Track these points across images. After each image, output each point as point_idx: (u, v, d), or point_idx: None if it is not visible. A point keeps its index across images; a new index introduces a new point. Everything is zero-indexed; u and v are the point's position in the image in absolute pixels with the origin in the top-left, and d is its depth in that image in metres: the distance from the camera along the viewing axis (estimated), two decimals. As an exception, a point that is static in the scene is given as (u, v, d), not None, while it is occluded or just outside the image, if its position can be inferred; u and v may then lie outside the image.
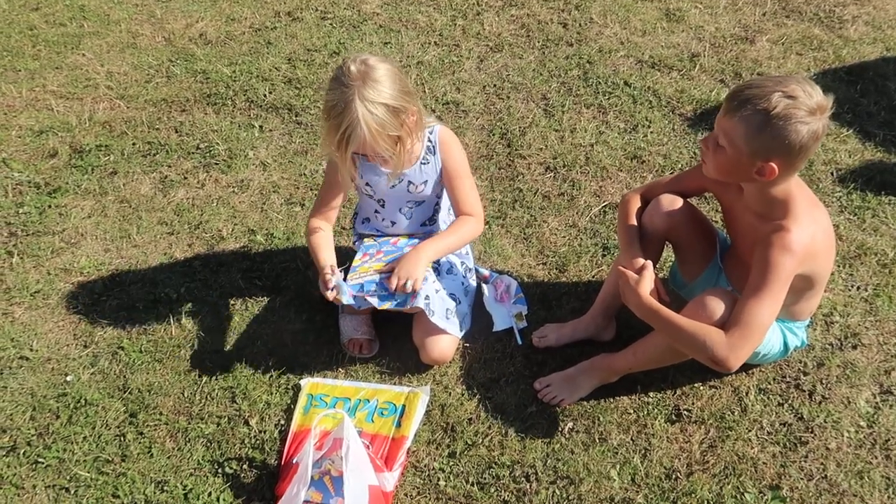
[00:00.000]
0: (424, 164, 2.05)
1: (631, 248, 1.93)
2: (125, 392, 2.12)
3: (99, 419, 2.05)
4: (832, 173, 2.69)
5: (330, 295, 1.95)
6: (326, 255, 2.06)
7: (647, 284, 1.80)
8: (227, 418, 2.05)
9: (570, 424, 2.00)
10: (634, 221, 1.97)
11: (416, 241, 2.12)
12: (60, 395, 2.11)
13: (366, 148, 1.85)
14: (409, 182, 2.06)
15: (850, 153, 2.77)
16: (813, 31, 3.42)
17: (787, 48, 3.33)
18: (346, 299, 1.96)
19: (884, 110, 2.96)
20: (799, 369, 2.09)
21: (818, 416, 1.98)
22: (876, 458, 1.90)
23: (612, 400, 2.04)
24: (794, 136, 1.55)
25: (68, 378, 2.16)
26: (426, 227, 2.21)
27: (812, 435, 1.95)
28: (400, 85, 1.83)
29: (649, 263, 1.84)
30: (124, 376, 2.16)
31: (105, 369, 2.18)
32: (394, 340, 2.22)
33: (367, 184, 2.08)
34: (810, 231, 1.67)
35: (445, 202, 2.22)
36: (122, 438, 2.01)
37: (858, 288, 2.30)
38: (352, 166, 1.96)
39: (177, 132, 3.05)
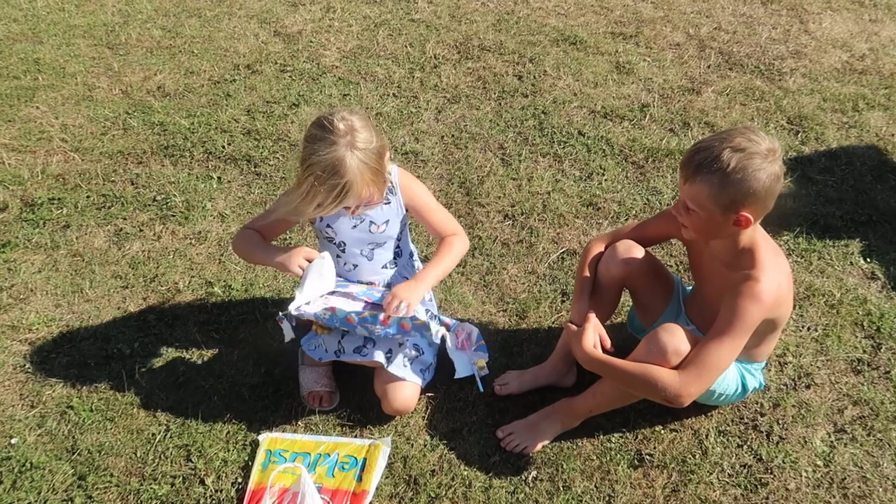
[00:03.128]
0: (386, 203, 2.07)
1: (579, 300, 1.97)
2: (74, 454, 2.04)
3: (45, 483, 1.96)
4: (779, 217, 2.79)
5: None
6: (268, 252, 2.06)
7: (589, 337, 1.83)
8: (181, 478, 1.98)
9: (533, 473, 1.98)
10: (588, 272, 2.01)
11: (379, 290, 2.12)
12: (4, 459, 2.02)
13: (361, 197, 1.88)
14: (371, 222, 2.07)
15: (794, 198, 2.88)
16: (755, 83, 3.59)
17: (732, 98, 3.48)
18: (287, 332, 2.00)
19: (823, 157, 3.10)
20: (756, 410, 2.13)
21: (776, 457, 2.01)
22: (834, 497, 1.92)
23: (574, 446, 2.04)
24: (756, 184, 1.62)
25: (13, 441, 2.07)
26: (387, 269, 2.22)
27: (771, 476, 1.97)
28: (373, 127, 1.89)
29: (592, 316, 1.87)
30: (73, 437, 2.08)
31: (53, 430, 2.10)
32: (354, 392, 2.19)
33: (328, 226, 2.08)
34: (777, 280, 1.73)
35: (408, 247, 2.24)
36: (69, 503, 1.92)
37: (809, 328, 2.37)
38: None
39: (133, 184, 3.02)
